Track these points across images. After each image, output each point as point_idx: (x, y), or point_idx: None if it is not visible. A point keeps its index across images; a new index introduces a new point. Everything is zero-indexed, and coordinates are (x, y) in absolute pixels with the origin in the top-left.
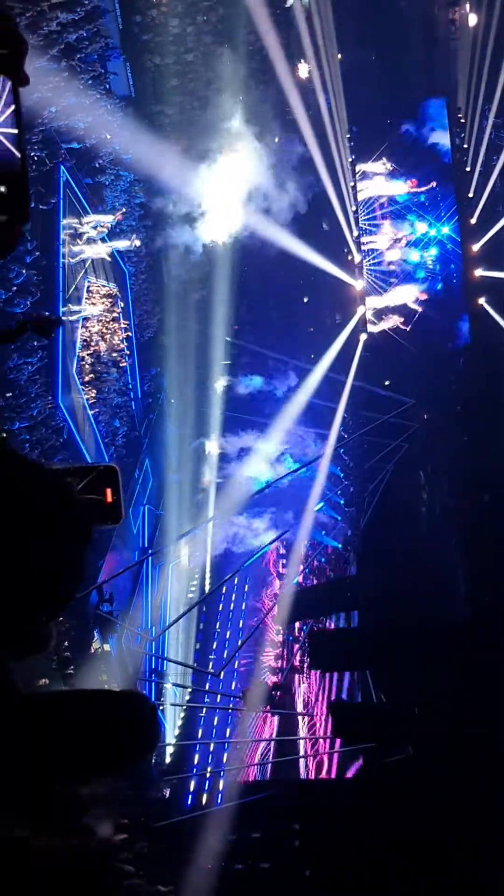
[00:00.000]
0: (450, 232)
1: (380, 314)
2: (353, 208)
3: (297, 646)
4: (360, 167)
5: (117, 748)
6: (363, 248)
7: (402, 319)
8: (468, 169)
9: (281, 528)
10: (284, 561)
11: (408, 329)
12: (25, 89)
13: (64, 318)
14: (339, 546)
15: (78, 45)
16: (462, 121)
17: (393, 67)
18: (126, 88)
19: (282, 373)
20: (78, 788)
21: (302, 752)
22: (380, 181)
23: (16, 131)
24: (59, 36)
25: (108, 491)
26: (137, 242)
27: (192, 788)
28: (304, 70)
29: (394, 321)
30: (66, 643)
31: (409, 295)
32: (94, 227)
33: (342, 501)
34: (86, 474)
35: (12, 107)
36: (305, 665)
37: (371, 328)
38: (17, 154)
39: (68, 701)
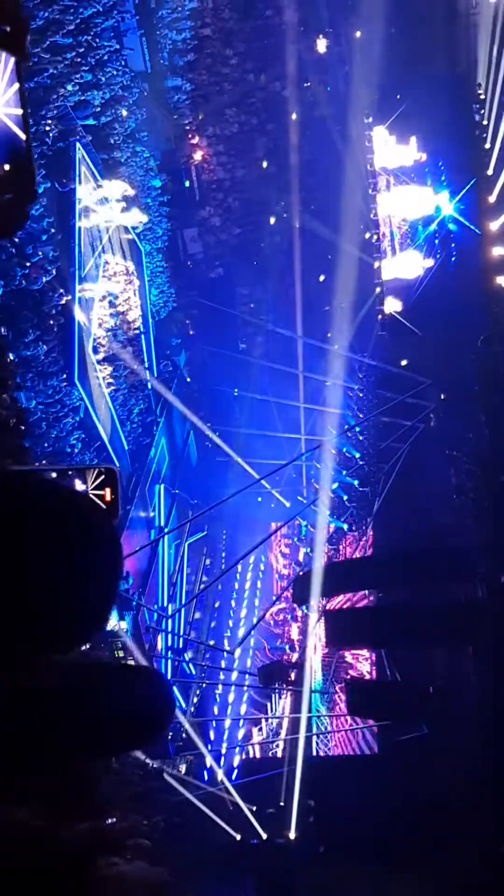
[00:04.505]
0: (454, 212)
1: (381, 296)
2: (372, 191)
3: (297, 624)
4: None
5: (138, 727)
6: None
7: (399, 306)
8: (487, 146)
9: (292, 508)
10: (288, 541)
11: (391, 313)
12: (41, 64)
13: (80, 294)
14: (346, 527)
15: (93, 20)
16: (482, 97)
17: (412, 42)
18: (142, 64)
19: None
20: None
21: (316, 730)
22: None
23: (20, 112)
24: (74, 11)
25: (108, 490)
26: (144, 218)
27: (207, 764)
28: (322, 45)
29: (393, 304)
30: None
31: (411, 266)
32: (109, 204)
33: (356, 482)
34: (89, 475)
35: (16, 85)
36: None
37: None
38: (23, 135)
39: (97, 674)
